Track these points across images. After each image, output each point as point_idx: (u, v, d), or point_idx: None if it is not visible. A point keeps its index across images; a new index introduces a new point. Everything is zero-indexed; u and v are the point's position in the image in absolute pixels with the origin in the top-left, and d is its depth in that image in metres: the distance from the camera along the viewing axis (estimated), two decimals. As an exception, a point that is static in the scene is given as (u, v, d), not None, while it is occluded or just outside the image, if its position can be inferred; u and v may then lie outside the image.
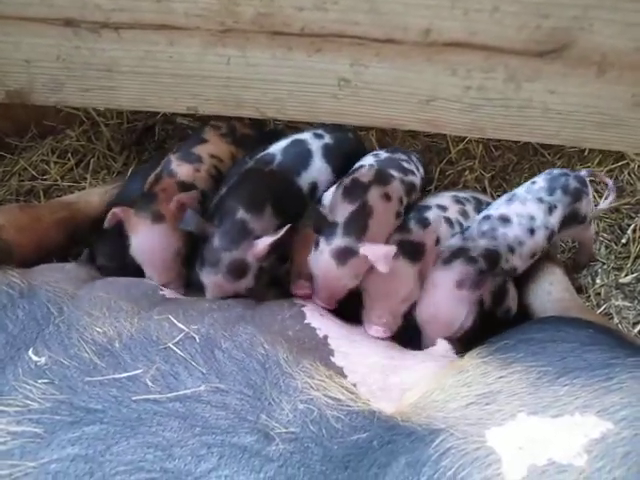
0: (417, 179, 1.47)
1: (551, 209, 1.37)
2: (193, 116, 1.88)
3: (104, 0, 0.97)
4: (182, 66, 1.04)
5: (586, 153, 1.83)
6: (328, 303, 1.20)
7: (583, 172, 1.49)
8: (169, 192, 1.37)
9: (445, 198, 1.48)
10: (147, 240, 1.30)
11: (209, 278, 1.19)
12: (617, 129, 0.99)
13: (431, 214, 1.38)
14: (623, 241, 1.68)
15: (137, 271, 1.32)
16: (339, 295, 1.21)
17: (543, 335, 1.04)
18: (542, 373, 0.92)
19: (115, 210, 1.31)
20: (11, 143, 1.91)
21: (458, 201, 1.47)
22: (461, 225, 1.41)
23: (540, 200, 1.37)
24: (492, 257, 1.27)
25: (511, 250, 1.31)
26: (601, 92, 0.94)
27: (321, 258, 1.18)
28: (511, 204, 1.38)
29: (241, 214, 1.19)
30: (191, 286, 1.32)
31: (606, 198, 1.60)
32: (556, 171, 1.47)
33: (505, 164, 1.84)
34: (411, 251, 1.22)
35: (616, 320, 1.53)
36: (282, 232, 1.16)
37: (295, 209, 1.31)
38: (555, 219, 1.38)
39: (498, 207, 1.39)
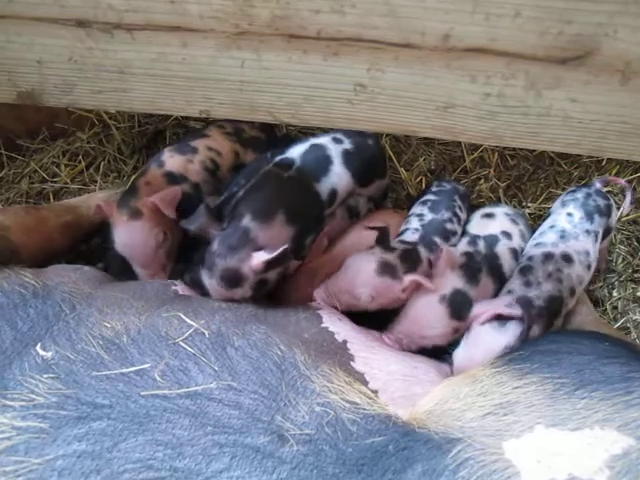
0: (458, 235, 1.44)
1: (597, 236, 1.35)
2: (205, 120, 1.86)
3: (117, 0, 0.95)
4: (195, 69, 1.02)
5: (603, 163, 1.80)
6: (330, 296, 1.19)
7: (597, 184, 1.46)
8: (153, 185, 1.35)
9: (503, 219, 1.42)
10: (125, 236, 1.31)
11: (206, 280, 1.17)
12: (640, 139, 0.96)
13: (500, 249, 1.33)
14: (641, 254, 1.65)
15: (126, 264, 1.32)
16: (344, 300, 1.19)
17: (558, 346, 1.02)
18: (559, 385, 0.89)
19: (100, 204, 1.31)
20: (22, 145, 1.90)
21: (513, 221, 1.42)
22: (522, 250, 1.37)
23: (588, 232, 1.34)
24: (555, 304, 1.22)
25: (572, 292, 1.26)
26: (624, 100, 0.91)
27: (366, 256, 1.18)
28: (567, 241, 1.32)
29: (246, 221, 1.16)
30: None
31: (625, 201, 1.58)
32: (579, 194, 1.43)
33: (521, 173, 1.82)
34: (458, 306, 1.19)
35: (634, 334, 1.50)
36: (279, 251, 1.11)
37: (311, 217, 1.28)
38: (599, 244, 1.36)
39: (556, 244, 1.33)
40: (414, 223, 1.44)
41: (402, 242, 1.33)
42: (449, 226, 1.42)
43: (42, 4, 0.98)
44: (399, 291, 1.20)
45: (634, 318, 1.54)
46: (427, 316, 1.18)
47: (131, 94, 1.10)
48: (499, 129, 0.98)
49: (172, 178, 1.40)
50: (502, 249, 1.34)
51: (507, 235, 1.39)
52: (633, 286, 1.61)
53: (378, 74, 0.94)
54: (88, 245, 1.60)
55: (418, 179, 1.78)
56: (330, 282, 1.22)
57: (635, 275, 1.63)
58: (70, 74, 1.10)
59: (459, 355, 1.17)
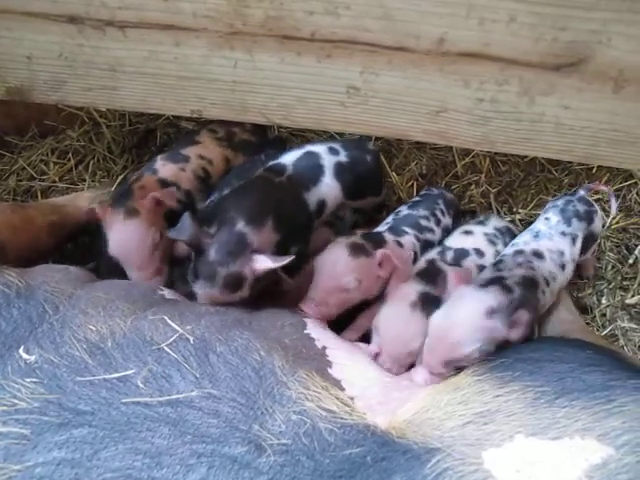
0: (436, 235, 1.44)
1: (574, 239, 1.36)
2: (196, 120, 1.85)
3: (110, -3, 0.94)
4: (187, 68, 1.01)
5: (594, 171, 1.80)
6: (321, 303, 1.17)
7: (581, 192, 1.47)
8: (147, 189, 1.34)
9: (479, 238, 1.42)
10: (121, 235, 1.28)
11: (203, 290, 1.15)
12: (631, 147, 0.97)
13: (467, 263, 1.33)
14: (630, 261, 1.65)
15: (119, 271, 1.31)
16: (335, 300, 1.18)
17: (540, 354, 1.01)
18: (540, 393, 0.89)
19: (94, 207, 1.30)
20: (11, 142, 1.88)
21: (491, 242, 1.42)
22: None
23: (564, 234, 1.36)
24: (529, 283, 1.21)
25: (547, 283, 1.27)
26: (617, 109, 0.92)
27: (334, 247, 1.17)
28: (539, 240, 1.35)
29: (241, 226, 1.15)
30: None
31: (610, 207, 1.59)
32: (559, 201, 1.45)
33: (512, 179, 1.82)
34: (431, 306, 1.16)
35: (622, 342, 1.50)
36: (286, 261, 1.10)
37: (297, 226, 1.27)
38: (577, 248, 1.37)
39: (527, 242, 1.35)
40: (388, 219, 1.44)
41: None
42: (424, 222, 1.41)
43: (34, -1, 0.98)
44: (376, 267, 1.19)
45: (622, 325, 1.54)
46: (407, 330, 1.15)
47: (122, 92, 1.09)
48: (492, 134, 0.99)
49: (165, 184, 1.39)
50: (469, 264, 1.33)
51: (479, 252, 1.38)
52: (622, 293, 1.61)
53: (371, 77, 0.94)
54: (75, 244, 1.59)
55: (409, 183, 1.77)
56: (313, 291, 1.20)
57: (624, 282, 1.63)
58: (60, 71, 1.09)
59: (438, 315, 1.12)
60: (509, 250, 1.35)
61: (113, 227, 1.27)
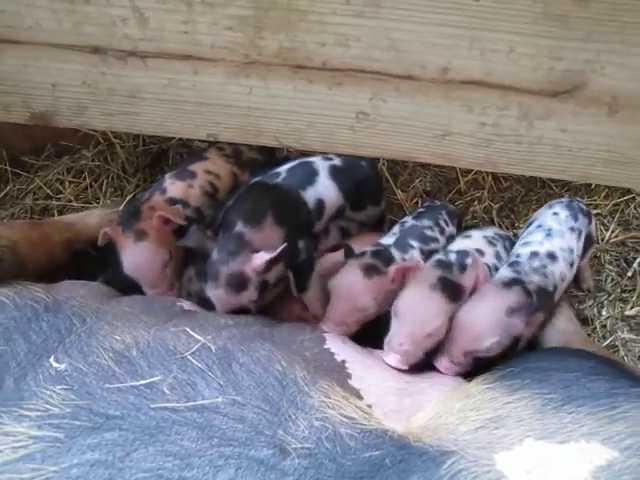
0: (440, 244, 1.49)
1: (580, 235, 1.41)
2: (209, 141, 1.91)
3: (133, 30, 1.00)
4: (205, 94, 1.07)
5: (592, 187, 1.85)
6: (340, 323, 1.21)
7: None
8: (156, 209, 1.40)
9: (478, 240, 1.48)
10: (133, 258, 1.34)
11: (212, 292, 1.20)
12: (626, 167, 1.02)
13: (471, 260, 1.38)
14: (629, 274, 1.70)
15: (136, 286, 1.36)
16: (353, 319, 1.22)
17: (547, 364, 1.06)
18: (547, 400, 0.93)
19: (105, 229, 1.35)
20: (27, 161, 1.93)
21: (490, 243, 1.48)
22: (497, 269, 1.43)
23: (572, 229, 1.41)
24: (544, 292, 1.28)
25: (555, 287, 1.33)
26: (611, 131, 0.97)
27: (347, 270, 1.22)
28: (552, 239, 1.39)
29: (239, 227, 1.20)
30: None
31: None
32: (564, 200, 1.50)
33: (513, 196, 1.87)
34: (451, 290, 1.21)
35: (622, 353, 1.54)
36: (280, 250, 1.14)
37: (300, 217, 1.30)
38: (581, 245, 1.41)
39: (542, 242, 1.39)
40: (394, 229, 1.48)
41: (372, 246, 1.37)
42: (429, 232, 1.45)
43: (60, 31, 1.03)
44: (390, 283, 1.23)
45: (622, 336, 1.58)
46: (427, 309, 1.19)
47: (142, 117, 1.15)
48: (494, 156, 1.04)
49: (174, 203, 1.44)
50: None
51: (480, 252, 1.44)
52: (621, 305, 1.65)
53: (380, 103, 1.00)
54: (86, 260, 1.63)
55: (414, 200, 1.82)
56: (331, 313, 1.24)
57: (623, 295, 1.68)
58: (83, 97, 1.15)
59: (464, 309, 1.20)
60: (523, 250, 1.39)
61: (125, 250, 1.34)
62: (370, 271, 1.22)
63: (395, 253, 1.36)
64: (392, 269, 1.22)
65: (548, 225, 1.43)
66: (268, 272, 1.17)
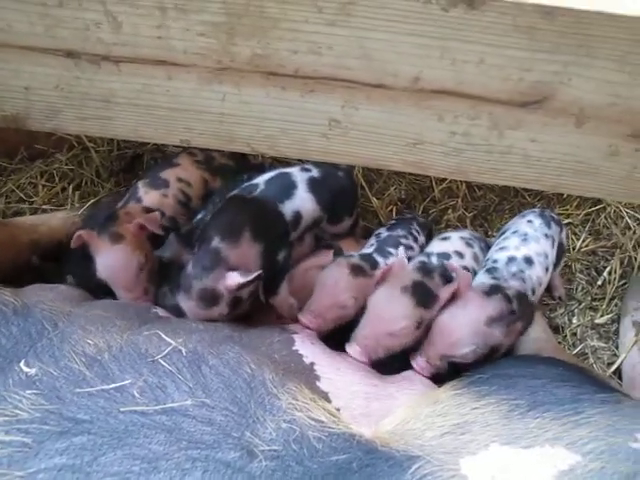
0: (415, 252, 1.53)
1: (553, 242, 1.45)
2: (183, 147, 1.90)
3: (106, 34, 0.99)
4: (178, 100, 1.07)
5: (565, 196, 1.89)
6: (318, 316, 1.23)
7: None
8: (133, 215, 1.40)
9: (456, 242, 1.51)
10: (108, 261, 1.35)
11: (184, 303, 1.21)
12: (593, 177, 1.04)
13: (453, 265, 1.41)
14: (599, 283, 1.73)
15: (108, 291, 1.35)
16: (332, 314, 1.24)
17: (515, 371, 1.08)
18: (514, 406, 0.95)
19: (80, 232, 1.35)
20: (0, 165, 1.92)
21: (468, 244, 1.51)
22: (475, 272, 1.45)
23: (546, 236, 1.44)
24: (524, 297, 1.30)
25: (533, 291, 1.36)
26: (579, 142, 0.99)
27: (336, 266, 1.25)
28: (529, 244, 1.42)
29: (215, 242, 1.21)
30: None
31: None
32: (536, 210, 1.55)
33: (487, 204, 1.90)
34: (422, 296, 1.23)
35: (591, 360, 1.57)
36: (254, 276, 1.15)
37: (278, 230, 1.32)
38: (554, 251, 1.45)
39: (518, 247, 1.42)
40: (371, 240, 1.54)
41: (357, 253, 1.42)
42: (404, 241, 1.52)
43: (33, 34, 1.02)
44: (373, 287, 1.27)
45: (592, 344, 1.61)
46: (392, 309, 1.22)
47: (115, 122, 1.14)
48: (464, 165, 1.05)
49: (150, 211, 1.45)
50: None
51: (459, 254, 1.47)
52: (591, 314, 1.69)
53: (351, 111, 1.00)
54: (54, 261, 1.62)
55: (389, 208, 1.84)
56: (313, 304, 1.27)
57: (594, 303, 1.71)
58: (56, 101, 1.14)
59: (447, 313, 1.23)
60: (500, 255, 1.42)
61: (100, 252, 1.33)
62: (357, 271, 1.28)
63: (379, 259, 1.40)
64: (378, 272, 1.27)
65: (524, 231, 1.48)
66: (241, 290, 1.18)
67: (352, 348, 1.19)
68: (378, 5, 0.85)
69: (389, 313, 1.21)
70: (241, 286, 1.15)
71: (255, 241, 1.23)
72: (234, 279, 1.15)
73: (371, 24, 0.88)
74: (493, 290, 1.27)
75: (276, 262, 1.28)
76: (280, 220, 1.34)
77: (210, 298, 1.17)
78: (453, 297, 1.25)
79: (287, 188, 1.39)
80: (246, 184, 1.42)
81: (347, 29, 0.89)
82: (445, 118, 0.98)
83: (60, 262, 1.51)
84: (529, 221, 1.51)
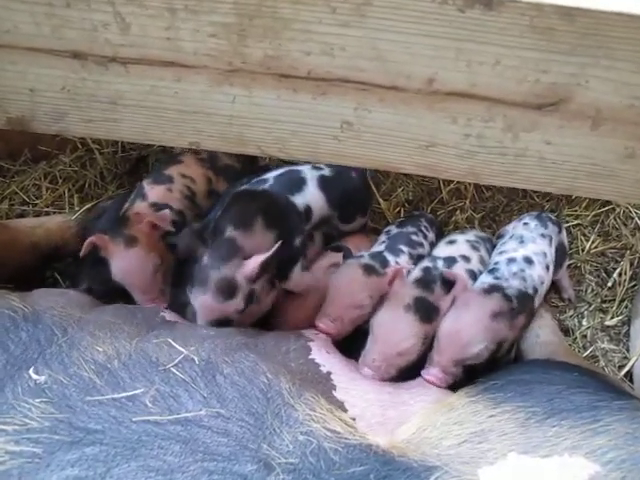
0: (425, 248, 1.54)
1: (551, 241, 1.46)
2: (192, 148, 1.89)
3: (114, 35, 0.98)
4: (187, 102, 1.05)
5: (573, 197, 1.87)
6: (335, 319, 1.23)
7: None
8: (142, 214, 1.39)
9: (462, 245, 1.51)
10: (123, 264, 1.34)
11: (198, 298, 1.19)
12: (609, 180, 1.02)
13: (458, 269, 1.41)
14: (609, 284, 1.71)
15: (124, 293, 1.35)
16: (349, 316, 1.24)
17: (530, 377, 1.06)
18: (531, 413, 0.94)
19: (91, 238, 1.34)
20: (4, 166, 1.90)
21: (474, 247, 1.51)
22: (480, 273, 1.46)
23: (543, 236, 1.46)
24: (525, 296, 1.32)
25: (536, 290, 1.37)
26: (595, 144, 0.97)
27: (348, 267, 1.25)
28: (526, 245, 1.44)
29: (229, 232, 1.20)
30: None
31: None
32: (533, 213, 1.57)
33: (495, 205, 1.88)
34: (426, 311, 1.25)
35: (602, 363, 1.55)
36: (273, 250, 1.15)
37: (290, 220, 1.31)
38: (553, 249, 1.46)
39: (516, 249, 1.44)
40: (381, 238, 1.54)
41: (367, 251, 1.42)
42: (414, 237, 1.53)
43: (40, 36, 1.01)
44: (386, 285, 1.27)
45: (602, 346, 1.60)
46: (399, 329, 1.23)
47: (122, 124, 1.13)
48: (477, 167, 1.03)
49: (158, 208, 1.44)
50: (459, 270, 1.42)
51: (465, 258, 1.48)
52: (601, 316, 1.67)
53: (364, 113, 0.99)
54: (60, 266, 1.61)
55: (397, 209, 1.83)
56: (328, 308, 1.28)
57: (603, 305, 1.70)
58: (62, 103, 1.12)
59: (448, 319, 1.23)
60: (501, 258, 1.43)
61: (115, 256, 1.32)
62: (369, 270, 1.30)
63: (389, 257, 1.41)
64: (390, 271, 1.27)
65: (519, 234, 1.50)
66: (260, 278, 1.17)
67: (364, 372, 1.19)
68: (393, 6, 0.84)
69: (396, 335, 1.22)
70: (263, 266, 1.14)
71: (268, 229, 1.22)
72: (254, 261, 1.15)
73: (385, 25, 0.86)
74: (492, 289, 1.31)
75: (294, 248, 1.27)
76: (292, 208, 1.33)
77: (227, 289, 1.16)
78: (452, 301, 1.28)
79: (297, 183, 1.39)
80: (255, 179, 1.41)
81: (361, 30, 0.88)
82: (459, 120, 0.97)
83: (68, 266, 1.50)
84: (525, 224, 1.55)
